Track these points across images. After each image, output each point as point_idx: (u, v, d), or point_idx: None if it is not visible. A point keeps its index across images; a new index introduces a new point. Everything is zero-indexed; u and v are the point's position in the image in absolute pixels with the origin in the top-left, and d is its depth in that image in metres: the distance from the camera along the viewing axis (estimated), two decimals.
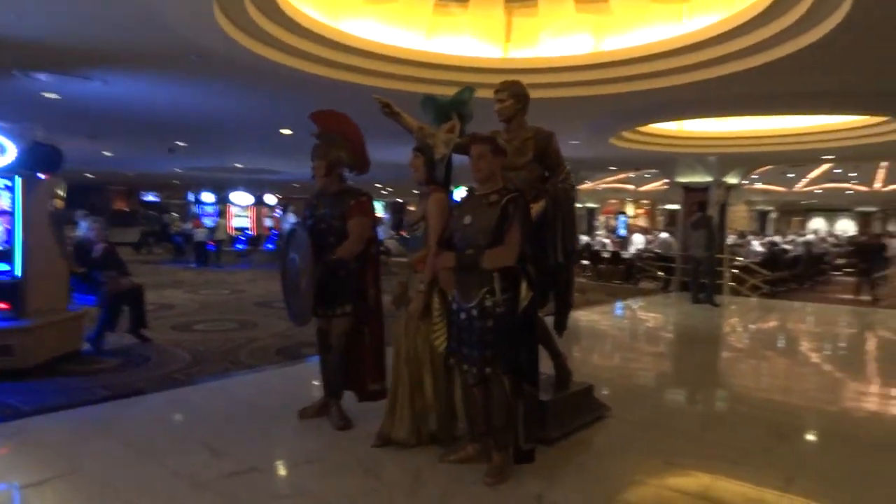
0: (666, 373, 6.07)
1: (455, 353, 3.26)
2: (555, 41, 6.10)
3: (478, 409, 3.35)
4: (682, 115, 8.38)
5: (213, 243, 16.14)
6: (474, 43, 6.21)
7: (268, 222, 18.84)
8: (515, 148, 3.79)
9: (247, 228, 17.94)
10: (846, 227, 32.49)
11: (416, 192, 3.87)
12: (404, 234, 16.08)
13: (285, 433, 3.84)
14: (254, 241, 17.64)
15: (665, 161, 12.62)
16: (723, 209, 12.71)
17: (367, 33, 6.12)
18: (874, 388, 5.57)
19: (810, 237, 21.60)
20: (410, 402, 3.51)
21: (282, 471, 3.29)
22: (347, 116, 3.99)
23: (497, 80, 5.57)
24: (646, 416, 4.42)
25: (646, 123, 8.83)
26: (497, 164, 3.28)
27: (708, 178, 12.51)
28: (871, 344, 8.22)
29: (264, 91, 7.15)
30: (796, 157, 12.07)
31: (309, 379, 5.14)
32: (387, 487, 3.08)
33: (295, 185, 24.24)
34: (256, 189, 18.81)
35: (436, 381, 3.50)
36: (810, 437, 4.20)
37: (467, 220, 3.20)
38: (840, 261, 20.97)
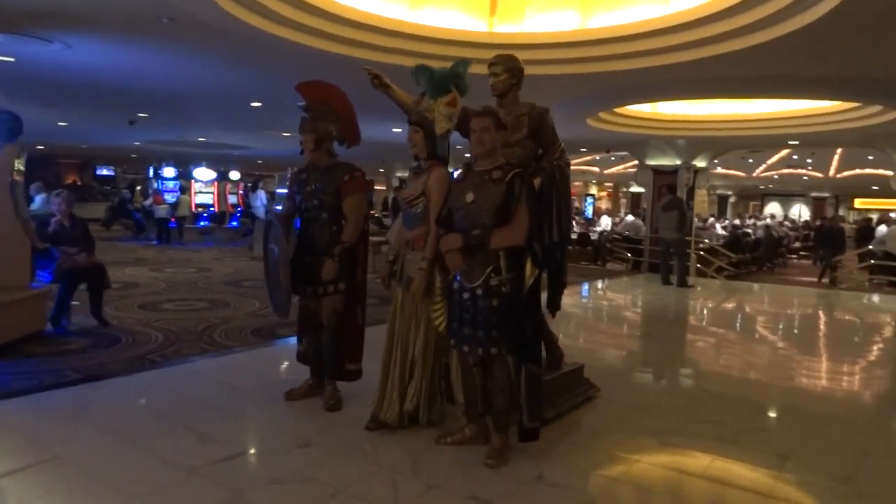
0: (647, 353, 6.12)
1: (456, 333, 3.18)
2: (541, 17, 5.99)
3: (476, 390, 3.29)
4: (666, 97, 8.37)
5: (175, 220, 15.62)
6: (459, 16, 6.04)
7: (232, 199, 18.33)
8: (510, 124, 3.68)
9: (210, 205, 17.41)
10: (801, 211, 33.51)
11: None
12: (374, 213, 15.91)
13: (272, 416, 3.72)
14: (217, 219, 17.14)
15: (636, 143, 12.70)
16: (690, 192, 12.90)
17: (349, 1, 5.89)
18: (854, 367, 5.71)
19: (770, 221, 22.19)
20: (401, 384, 3.42)
21: (275, 455, 3.16)
22: (336, 87, 3.83)
23: (481, 54, 5.46)
24: (634, 395, 4.45)
25: (628, 104, 8.83)
26: (499, 138, 3.20)
27: (677, 161, 12.66)
28: (841, 325, 8.43)
29: (238, 60, 6.84)
30: (763, 142, 12.29)
31: (288, 360, 4.99)
32: (387, 471, 3.00)
33: (258, 161, 23.68)
34: (219, 164, 18.25)
35: (425, 361, 3.42)
36: (797, 415, 4.24)
37: (469, 197, 3.10)
38: (797, 244, 21.66)
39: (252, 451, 3.20)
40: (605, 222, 17.81)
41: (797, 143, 12.18)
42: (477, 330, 3.07)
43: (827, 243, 13.95)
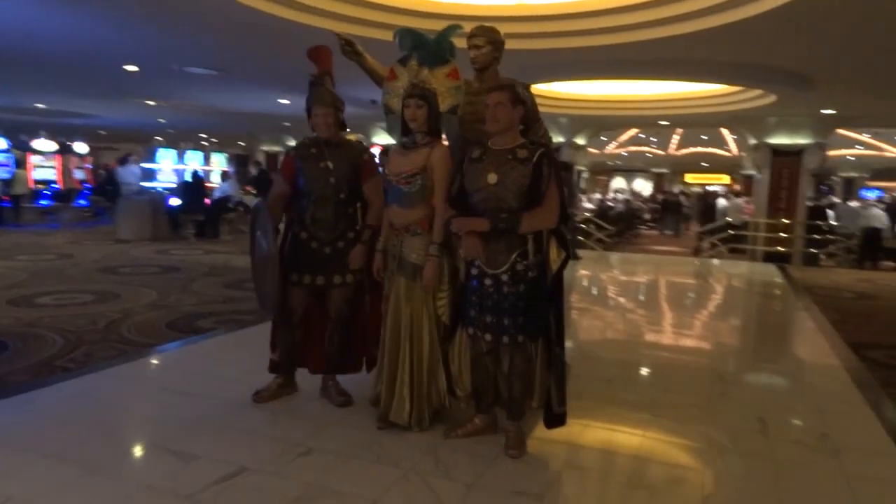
0: (586, 327, 6.19)
1: (473, 322, 3.00)
2: None
3: (488, 379, 3.14)
4: (583, 76, 8.52)
5: (8, 199, 13.51)
6: None
7: (78, 174, 16.10)
8: None
9: (52, 181, 15.17)
10: (643, 186, 36.63)
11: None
12: (249, 189, 14.87)
13: (247, 422, 3.28)
14: (62, 197, 15.02)
15: None
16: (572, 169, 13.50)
17: None
18: (782, 333, 6.25)
19: (628, 196, 24.06)
20: (411, 380, 3.18)
21: (280, 467, 2.79)
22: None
23: (420, 25, 5.19)
24: (601, 370, 4.51)
25: (543, 82, 8.91)
26: (516, 114, 3.02)
27: (560, 139, 13.18)
28: (747, 290, 9.07)
29: (130, 13, 5.89)
30: (639, 122, 13.14)
31: (228, 357, 4.51)
32: (413, 473, 2.77)
33: (101, 132, 21.15)
34: (58, 135, 15.97)
35: (433, 354, 3.21)
36: (754, 380, 4.58)
37: (493, 178, 2.91)
38: (647, 216, 23.71)
39: (250, 465, 2.80)
40: None
41: (667, 123, 13.18)
42: (501, 317, 2.92)
43: (706, 215, 15.42)
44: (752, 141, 12.15)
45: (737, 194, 19.10)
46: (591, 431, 3.34)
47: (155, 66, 8.35)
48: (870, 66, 6.91)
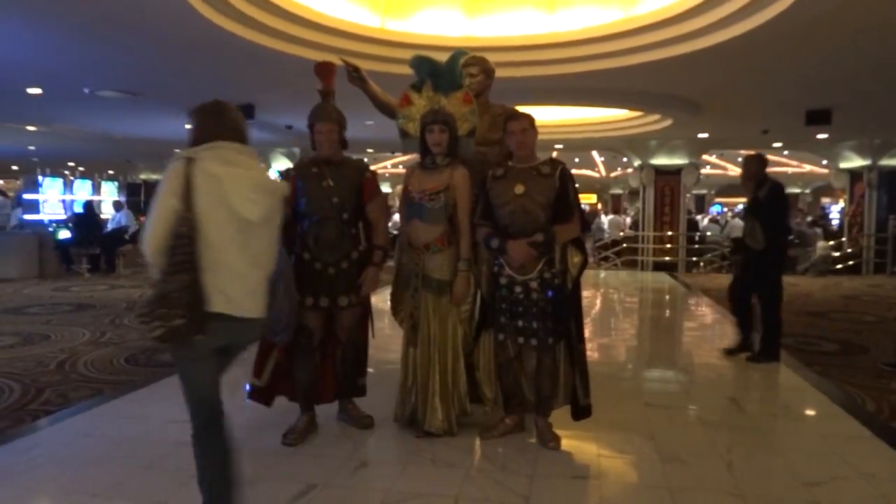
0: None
1: (505, 328, 3.25)
2: (429, 14, 6.09)
3: (515, 382, 3.39)
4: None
5: None
6: (349, 7, 5.78)
7: None
8: (488, 123, 3.85)
9: None
10: None
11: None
12: (144, 219, 13.94)
13: (280, 445, 3.26)
14: None
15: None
16: None
17: None
18: (707, 332, 7.01)
19: None
20: (443, 389, 3.35)
21: (345, 480, 2.85)
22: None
23: (371, 49, 5.42)
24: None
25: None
26: (535, 136, 3.35)
27: None
28: (660, 297, 9.89)
29: (50, 28, 5.52)
30: (539, 146, 13.98)
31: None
32: (476, 471, 2.98)
33: None
34: None
35: (457, 364, 3.41)
36: (711, 369, 5.20)
37: (520, 189, 3.20)
38: None
39: (316, 482, 2.82)
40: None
41: (561, 146, 14.17)
42: (531, 321, 3.18)
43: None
44: (637, 162, 13.42)
45: (616, 211, 20.74)
46: (604, 422, 3.66)
47: (61, 89, 7.77)
48: (746, 96, 8.13)
